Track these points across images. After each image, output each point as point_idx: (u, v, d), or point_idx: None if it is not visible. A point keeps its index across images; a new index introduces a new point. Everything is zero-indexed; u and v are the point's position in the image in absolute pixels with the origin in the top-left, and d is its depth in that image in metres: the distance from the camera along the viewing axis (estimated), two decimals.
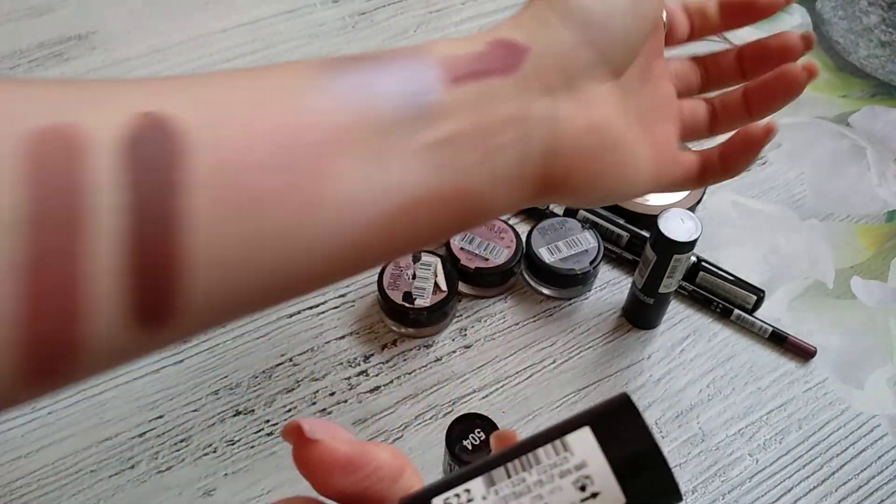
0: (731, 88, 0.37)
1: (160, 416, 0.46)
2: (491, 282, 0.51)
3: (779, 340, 0.50)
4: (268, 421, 0.46)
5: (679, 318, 0.52)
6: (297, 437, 0.20)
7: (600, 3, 0.28)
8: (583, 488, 0.18)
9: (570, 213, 0.54)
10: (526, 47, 0.27)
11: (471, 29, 0.69)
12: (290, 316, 0.50)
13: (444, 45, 0.27)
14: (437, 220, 0.26)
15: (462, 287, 0.51)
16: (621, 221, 0.53)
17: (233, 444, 0.45)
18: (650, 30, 0.30)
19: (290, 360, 0.48)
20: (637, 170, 0.31)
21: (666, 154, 0.34)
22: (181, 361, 0.48)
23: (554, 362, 0.49)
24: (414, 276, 0.49)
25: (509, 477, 0.19)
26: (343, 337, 0.50)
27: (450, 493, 0.19)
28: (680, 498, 0.19)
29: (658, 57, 0.33)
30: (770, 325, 0.50)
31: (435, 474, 0.44)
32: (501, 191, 0.27)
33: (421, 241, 0.27)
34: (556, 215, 0.53)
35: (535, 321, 0.51)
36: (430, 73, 0.26)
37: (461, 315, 0.51)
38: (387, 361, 0.49)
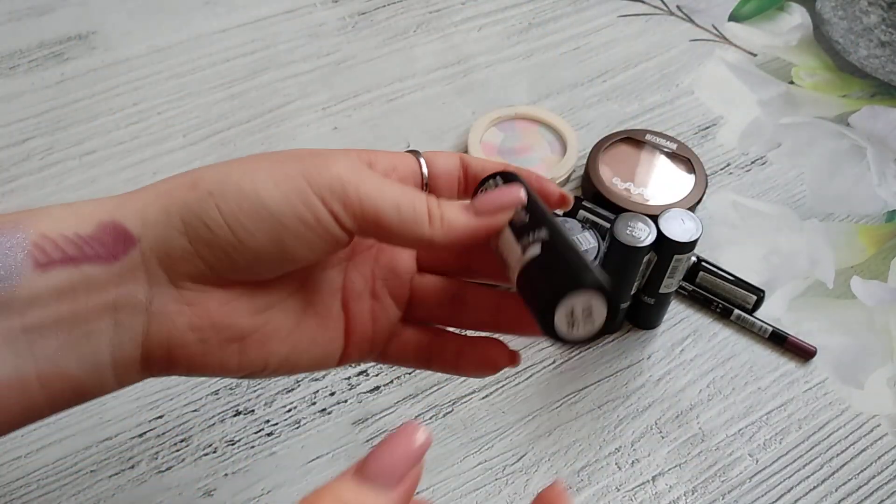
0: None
1: (160, 416, 0.46)
2: (490, 282, 0.51)
3: (779, 340, 0.50)
4: (268, 421, 0.46)
5: (679, 318, 0.52)
6: None
7: (232, 233, 0.27)
8: None
9: (570, 213, 0.54)
10: (134, 240, 0.28)
11: (470, 29, 0.69)
12: None
13: (47, 220, 0.27)
14: (35, 401, 0.27)
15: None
16: None
17: (233, 444, 0.45)
18: (294, 263, 0.29)
19: None
20: (273, 358, 0.31)
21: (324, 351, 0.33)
22: None
23: (554, 362, 0.49)
24: None
25: None
26: None
27: None
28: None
29: (329, 268, 0.33)
30: (770, 325, 0.51)
31: (435, 473, 0.44)
32: (97, 375, 0.28)
33: (23, 421, 0.27)
34: (556, 215, 0.53)
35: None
36: (19, 255, 0.26)
37: None
38: None
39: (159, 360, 0.29)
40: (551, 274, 0.27)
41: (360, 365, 0.48)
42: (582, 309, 0.26)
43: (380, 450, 0.24)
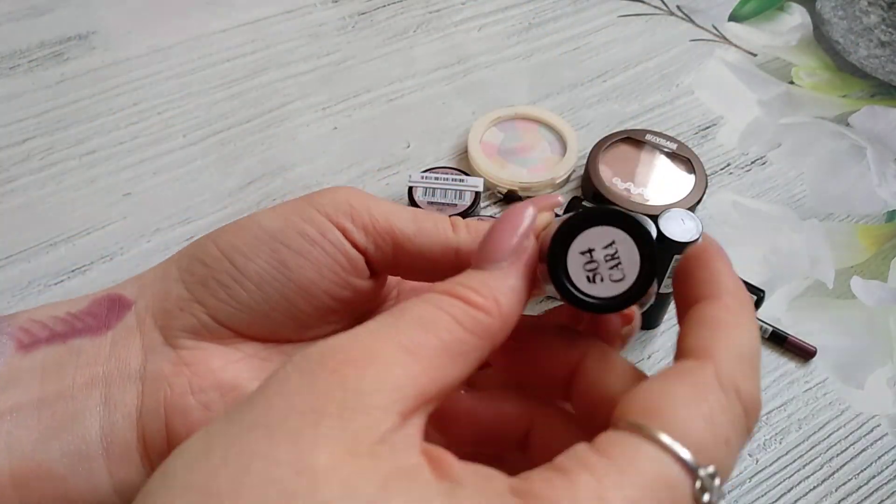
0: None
1: None
2: None
3: (779, 340, 0.50)
4: None
5: None
6: None
7: (229, 262, 0.25)
8: None
9: (571, 212, 0.54)
10: (129, 303, 0.26)
11: (470, 29, 0.69)
12: None
13: (40, 308, 0.25)
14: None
15: None
16: None
17: None
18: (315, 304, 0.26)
19: None
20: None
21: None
22: None
23: None
24: None
25: None
26: None
27: None
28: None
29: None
30: (770, 325, 0.50)
31: None
32: (86, 470, 0.23)
33: None
34: (556, 215, 0.53)
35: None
36: (5, 341, 0.24)
37: None
38: None
39: (158, 439, 0.25)
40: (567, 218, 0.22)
41: None
42: (604, 252, 0.21)
43: (486, 236, 0.22)
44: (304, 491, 0.16)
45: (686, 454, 0.17)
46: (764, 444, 0.46)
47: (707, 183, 0.56)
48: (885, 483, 0.45)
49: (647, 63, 0.67)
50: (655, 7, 0.72)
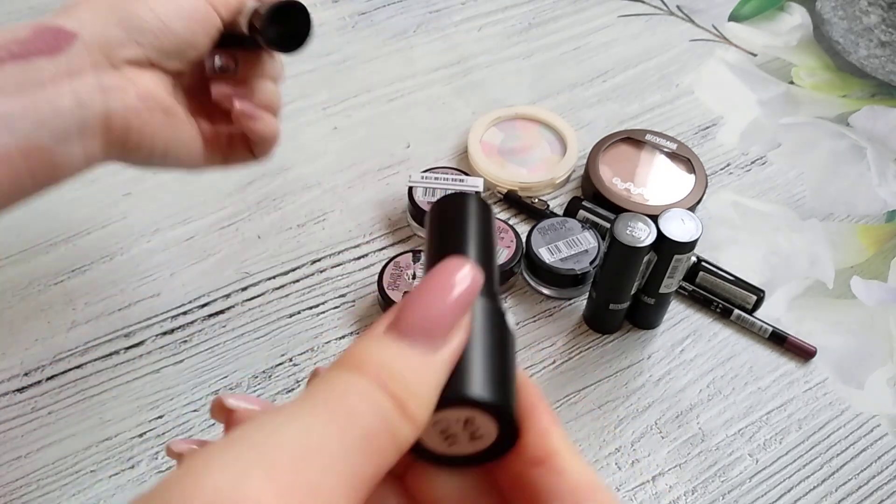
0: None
1: (160, 416, 0.46)
2: None
3: (779, 340, 0.50)
4: None
5: (679, 318, 0.52)
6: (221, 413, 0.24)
7: (157, 19, 0.35)
8: None
9: (570, 213, 0.54)
10: (74, 34, 0.33)
11: (470, 29, 0.69)
12: (290, 316, 0.50)
13: None
14: (19, 175, 0.32)
15: None
16: None
17: None
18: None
19: (290, 360, 0.48)
20: (186, 139, 0.38)
21: (215, 140, 0.40)
22: (181, 361, 0.48)
23: (554, 362, 0.49)
24: (414, 276, 0.49)
25: None
26: (343, 337, 0.50)
27: None
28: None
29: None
30: (770, 325, 0.51)
31: None
32: (67, 145, 0.33)
33: (13, 197, 0.33)
34: (556, 215, 0.53)
35: (535, 321, 0.51)
36: None
37: None
38: None
39: (117, 129, 0.34)
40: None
41: None
42: (467, 426, 0.19)
43: (415, 299, 0.19)
44: None
45: None
46: (764, 444, 0.46)
47: (707, 183, 0.56)
48: (885, 483, 0.45)
49: (647, 63, 0.67)
50: (655, 7, 0.72)
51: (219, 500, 0.15)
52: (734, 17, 0.72)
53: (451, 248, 0.23)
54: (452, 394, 0.18)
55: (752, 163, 0.61)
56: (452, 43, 0.68)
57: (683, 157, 0.57)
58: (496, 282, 0.22)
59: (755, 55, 0.69)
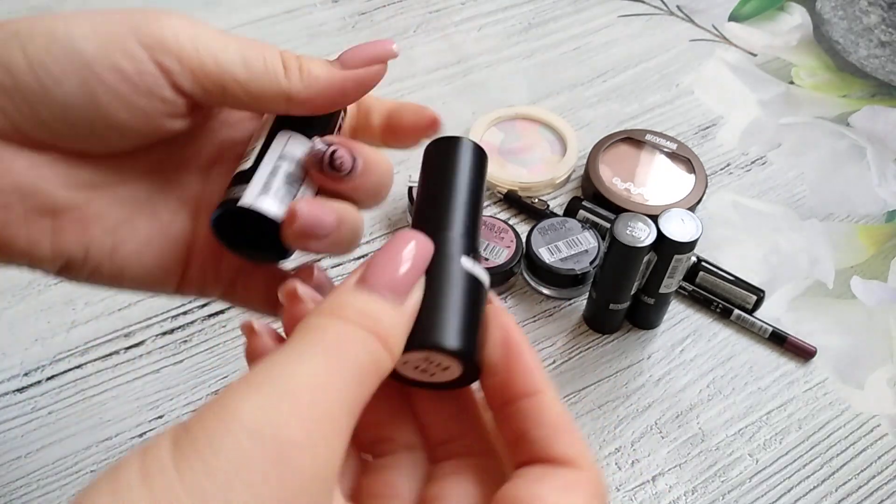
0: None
1: (160, 416, 0.46)
2: (491, 282, 0.51)
3: (779, 340, 0.50)
4: None
5: (679, 318, 0.52)
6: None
7: (35, 79, 0.23)
8: None
9: (571, 213, 0.54)
10: None
11: (470, 29, 0.69)
12: None
13: None
14: None
15: None
16: None
17: None
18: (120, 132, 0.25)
19: None
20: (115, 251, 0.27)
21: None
22: (181, 361, 0.48)
23: (554, 362, 0.49)
24: None
25: None
26: None
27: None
28: None
29: (187, 171, 0.28)
30: (770, 325, 0.50)
31: None
32: None
33: None
34: (556, 215, 0.53)
35: (535, 321, 0.51)
36: None
37: None
38: None
39: None
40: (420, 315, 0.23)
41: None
42: (434, 363, 0.23)
43: (377, 264, 0.22)
44: None
45: None
46: (764, 444, 0.46)
47: (707, 183, 0.56)
48: (885, 483, 0.45)
49: (647, 63, 0.67)
50: (655, 7, 0.72)
51: (256, 428, 0.18)
52: (734, 17, 0.72)
53: (434, 198, 0.26)
54: (411, 342, 0.22)
55: (752, 163, 0.61)
56: (452, 43, 0.68)
57: (683, 157, 0.57)
58: (474, 231, 0.26)
59: (755, 55, 0.69)
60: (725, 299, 0.52)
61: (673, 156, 0.58)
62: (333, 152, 0.26)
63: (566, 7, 0.72)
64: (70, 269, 0.26)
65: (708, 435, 0.47)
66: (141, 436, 0.45)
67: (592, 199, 0.55)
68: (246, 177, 0.26)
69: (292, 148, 0.27)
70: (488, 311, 0.25)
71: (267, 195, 0.25)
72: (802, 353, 0.50)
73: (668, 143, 0.58)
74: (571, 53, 0.68)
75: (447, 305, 0.23)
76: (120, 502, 0.17)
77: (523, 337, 0.24)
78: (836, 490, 0.45)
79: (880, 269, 0.55)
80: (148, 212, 0.27)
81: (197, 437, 0.18)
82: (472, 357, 0.23)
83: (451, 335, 0.23)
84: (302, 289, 0.23)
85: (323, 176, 0.26)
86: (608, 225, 0.53)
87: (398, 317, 0.22)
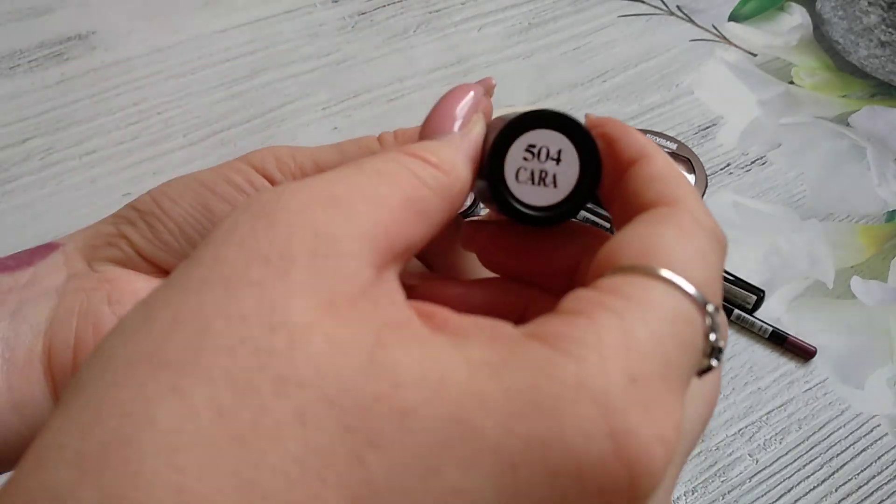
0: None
1: None
2: None
3: (779, 340, 0.50)
4: None
5: None
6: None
7: (155, 204, 0.26)
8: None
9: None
10: (56, 245, 0.26)
11: (470, 29, 0.69)
12: None
13: None
14: None
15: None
16: None
17: None
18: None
19: None
20: None
21: None
22: None
23: None
24: None
25: None
26: None
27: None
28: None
29: None
30: (770, 325, 0.50)
31: None
32: None
33: None
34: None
35: None
36: None
37: None
38: None
39: (63, 350, 0.24)
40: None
41: None
42: (543, 161, 0.20)
43: (434, 109, 0.22)
44: (282, 348, 0.14)
45: (693, 290, 0.17)
46: (764, 444, 0.46)
47: (707, 183, 0.56)
48: (886, 483, 0.45)
49: (647, 63, 0.67)
50: (655, 7, 0.72)
51: (321, 231, 0.16)
52: (734, 17, 0.72)
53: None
54: (509, 131, 0.20)
55: (752, 163, 0.61)
56: (452, 43, 0.68)
57: (683, 157, 0.57)
58: None
59: (755, 55, 0.69)
60: (725, 299, 0.52)
61: (673, 156, 0.58)
62: None
63: (566, 7, 0.72)
64: None
65: (708, 435, 0.47)
66: None
67: (593, 199, 0.55)
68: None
69: None
70: None
71: None
72: (802, 353, 0.50)
73: (668, 143, 0.58)
74: (571, 53, 0.68)
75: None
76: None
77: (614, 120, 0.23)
78: (836, 490, 0.45)
79: (880, 269, 0.55)
80: None
81: (270, 223, 0.16)
82: (580, 125, 0.21)
83: (550, 112, 0.20)
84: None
85: None
86: (608, 225, 0.53)
87: (449, 142, 0.21)
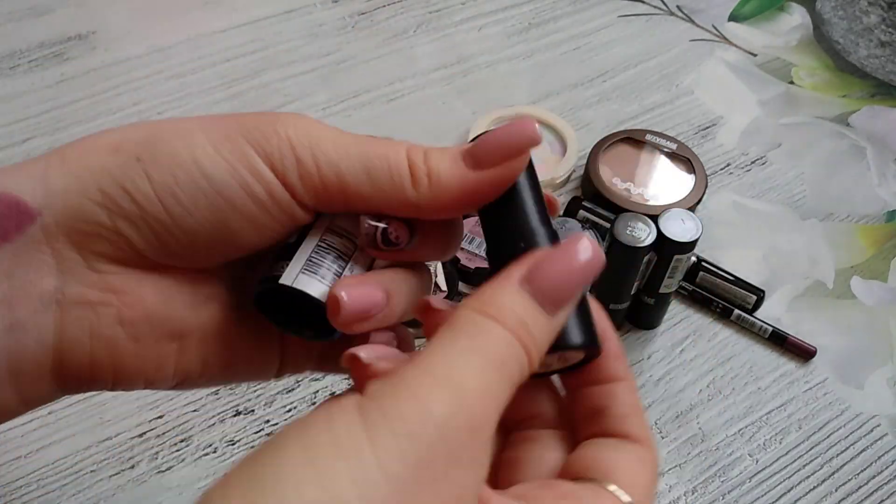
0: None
1: (160, 416, 0.46)
2: None
3: (779, 340, 0.50)
4: (268, 421, 0.46)
5: (679, 318, 0.52)
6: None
7: (165, 210, 0.22)
8: None
9: (571, 213, 0.54)
10: (33, 213, 0.22)
11: (470, 29, 0.69)
12: None
13: None
14: None
15: (462, 287, 0.51)
16: None
17: (233, 444, 0.45)
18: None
19: None
20: (233, 363, 0.26)
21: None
22: None
23: None
24: None
25: None
26: None
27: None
28: None
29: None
30: (770, 325, 0.50)
31: None
32: None
33: None
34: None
35: None
36: None
37: None
38: None
39: (78, 367, 0.23)
40: None
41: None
42: (561, 358, 0.24)
43: (549, 264, 0.22)
44: None
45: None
46: (764, 444, 0.46)
47: (707, 183, 0.56)
48: (886, 483, 0.45)
49: (647, 63, 0.67)
50: (655, 7, 0.72)
51: (442, 422, 0.19)
52: (734, 17, 0.72)
53: (509, 216, 0.24)
54: (558, 344, 0.23)
55: (752, 163, 0.61)
56: (452, 43, 0.68)
57: (683, 157, 0.57)
58: (554, 232, 0.26)
59: (755, 55, 0.69)
60: (725, 299, 0.52)
61: (673, 156, 0.58)
62: (384, 231, 0.24)
63: (566, 7, 0.72)
64: (185, 383, 0.25)
65: (708, 435, 0.47)
66: (141, 436, 0.45)
67: (592, 199, 0.55)
68: (288, 252, 0.24)
69: (342, 220, 0.25)
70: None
71: (308, 273, 0.24)
72: (802, 353, 0.50)
73: (668, 143, 0.58)
74: (571, 53, 0.68)
75: (579, 306, 0.24)
76: (311, 459, 0.18)
77: (611, 326, 0.25)
78: (836, 490, 0.45)
79: (880, 269, 0.55)
80: (252, 314, 0.25)
81: (388, 414, 0.18)
82: (598, 346, 0.24)
83: (579, 333, 0.23)
84: (365, 353, 0.22)
85: (377, 251, 0.24)
86: (608, 225, 0.53)
87: (549, 333, 0.22)
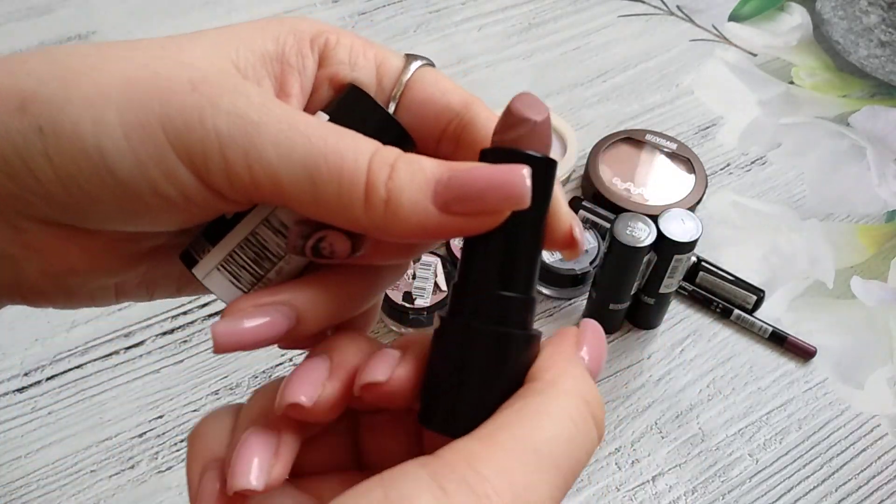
0: None
1: (160, 416, 0.46)
2: None
3: (779, 340, 0.50)
4: None
5: (679, 318, 0.52)
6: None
7: (67, 194, 0.20)
8: None
9: None
10: None
11: (470, 29, 0.69)
12: None
13: None
14: None
15: None
16: None
17: None
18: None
19: (290, 360, 0.48)
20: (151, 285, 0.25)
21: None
22: (181, 361, 0.48)
23: None
24: (414, 276, 0.49)
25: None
26: None
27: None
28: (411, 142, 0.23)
29: None
30: (770, 325, 0.50)
31: None
32: None
33: None
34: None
35: (535, 321, 0.51)
36: None
37: None
38: None
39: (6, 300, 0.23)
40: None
41: None
42: None
43: (595, 337, 0.22)
44: None
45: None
46: (764, 444, 0.46)
47: (707, 183, 0.56)
48: (886, 483, 0.45)
49: (647, 63, 0.67)
50: (655, 7, 0.72)
51: (517, 493, 0.18)
52: (734, 17, 0.72)
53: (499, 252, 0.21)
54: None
55: (752, 163, 0.61)
56: (452, 43, 0.68)
57: (683, 157, 0.57)
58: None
59: (755, 55, 0.69)
60: (725, 299, 0.52)
61: (673, 156, 0.58)
62: (318, 242, 0.20)
63: (566, 7, 0.72)
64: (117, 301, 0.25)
65: (708, 435, 0.47)
66: (141, 436, 0.45)
67: (592, 199, 0.55)
68: (217, 233, 0.22)
69: (282, 213, 0.21)
70: None
71: (223, 271, 0.22)
72: (802, 353, 0.50)
73: (668, 143, 0.58)
74: (571, 53, 0.68)
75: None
76: None
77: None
78: (836, 490, 0.45)
79: (880, 269, 0.55)
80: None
81: (467, 479, 0.18)
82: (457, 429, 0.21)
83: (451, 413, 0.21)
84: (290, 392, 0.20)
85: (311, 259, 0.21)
86: (608, 225, 0.53)
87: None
